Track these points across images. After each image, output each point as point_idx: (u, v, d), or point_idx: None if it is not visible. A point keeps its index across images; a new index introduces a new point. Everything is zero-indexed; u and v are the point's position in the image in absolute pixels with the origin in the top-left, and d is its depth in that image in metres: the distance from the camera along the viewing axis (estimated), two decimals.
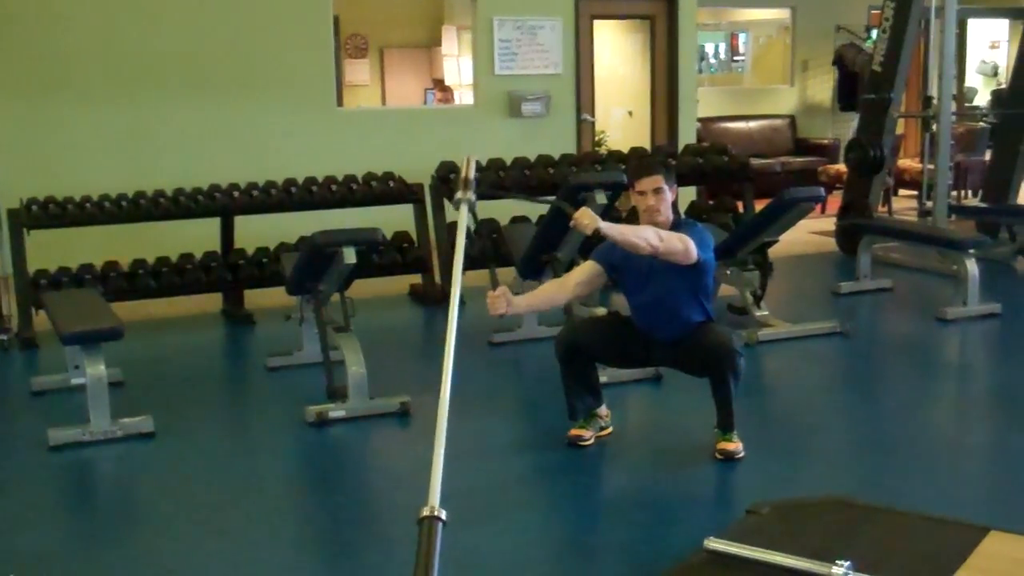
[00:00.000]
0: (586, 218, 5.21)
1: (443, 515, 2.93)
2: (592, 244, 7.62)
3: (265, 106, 10.52)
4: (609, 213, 7.49)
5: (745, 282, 8.05)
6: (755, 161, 12.48)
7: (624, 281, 5.70)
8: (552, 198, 7.03)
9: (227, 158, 10.18)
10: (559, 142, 11.25)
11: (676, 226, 5.54)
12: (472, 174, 4.08)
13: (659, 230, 5.38)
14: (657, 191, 5.44)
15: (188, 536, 4.88)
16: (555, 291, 5.84)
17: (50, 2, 9.84)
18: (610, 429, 5.89)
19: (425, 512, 2.93)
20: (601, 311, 7.02)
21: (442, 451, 3.12)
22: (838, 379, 7.44)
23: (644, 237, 5.29)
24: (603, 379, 6.07)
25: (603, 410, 5.86)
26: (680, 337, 5.55)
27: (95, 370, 6.00)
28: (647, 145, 12.07)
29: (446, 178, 9.48)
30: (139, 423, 6.11)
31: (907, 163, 14.79)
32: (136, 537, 4.97)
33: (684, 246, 5.33)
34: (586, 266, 5.77)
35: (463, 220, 3.99)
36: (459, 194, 4.06)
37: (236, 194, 9.11)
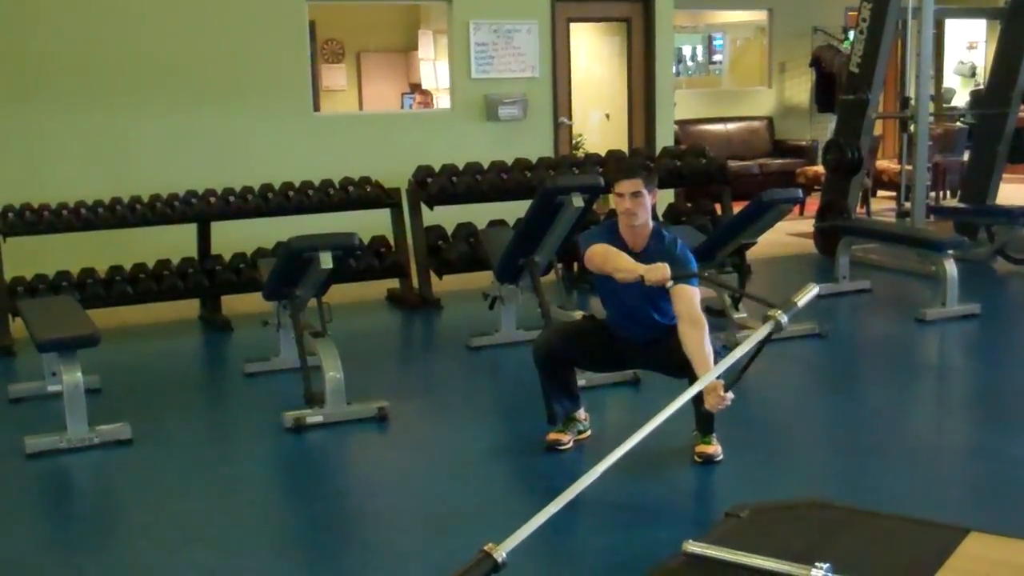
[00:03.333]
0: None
1: (501, 558, 2.84)
2: (565, 250, 7.67)
3: (242, 112, 10.50)
4: (586, 216, 7.49)
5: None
6: (733, 163, 12.49)
7: (601, 279, 5.68)
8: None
9: (203, 164, 10.16)
10: (536, 145, 11.26)
11: (655, 237, 5.51)
12: (803, 303, 3.42)
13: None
14: (636, 195, 5.40)
15: (166, 543, 4.85)
16: None
17: (25, 9, 9.80)
18: (589, 433, 5.88)
19: (488, 547, 2.84)
20: (579, 315, 7.01)
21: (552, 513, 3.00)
22: (817, 381, 7.44)
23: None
24: (581, 383, 6.05)
25: (582, 414, 5.85)
26: (657, 339, 5.53)
27: (72, 377, 5.96)
28: (625, 148, 12.07)
29: (423, 182, 9.46)
30: (116, 430, 6.08)
31: (885, 164, 14.84)
32: (114, 544, 4.95)
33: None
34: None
35: (756, 337, 3.39)
36: (777, 312, 3.34)
37: (213, 200, 9.07)
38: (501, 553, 2.82)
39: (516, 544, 2.85)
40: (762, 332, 3.36)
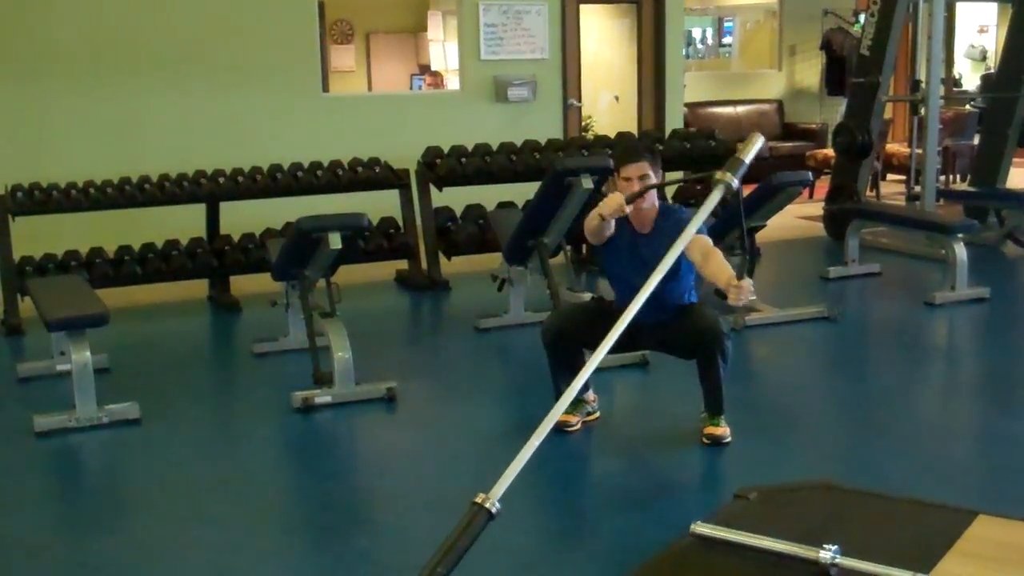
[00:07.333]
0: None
1: (495, 509, 2.86)
2: (574, 232, 7.63)
3: (251, 92, 10.47)
4: (595, 198, 7.48)
5: (732, 267, 8.02)
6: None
7: (608, 261, 5.66)
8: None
9: (212, 144, 10.13)
10: (546, 127, 11.23)
11: (661, 213, 5.51)
12: (750, 157, 3.30)
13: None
14: (643, 178, 5.39)
15: (174, 522, 4.86)
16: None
17: None
18: (597, 414, 5.88)
19: (480, 498, 2.86)
20: (587, 297, 7.01)
21: (532, 450, 3.02)
22: (826, 364, 7.44)
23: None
24: None
25: (590, 395, 5.85)
26: (667, 320, 5.52)
27: (80, 356, 5.97)
28: (634, 130, 12.05)
29: (432, 164, 9.45)
30: (125, 409, 6.09)
31: (895, 147, 14.78)
32: (123, 523, 4.95)
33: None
34: None
35: (709, 204, 3.27)
36: (719, 173, 3.27)
37: (222, 180, 9.07)
38: (494, 503, 2.85)
39: (504, 490, 2.87)
40: (714, 198, 3.26)
